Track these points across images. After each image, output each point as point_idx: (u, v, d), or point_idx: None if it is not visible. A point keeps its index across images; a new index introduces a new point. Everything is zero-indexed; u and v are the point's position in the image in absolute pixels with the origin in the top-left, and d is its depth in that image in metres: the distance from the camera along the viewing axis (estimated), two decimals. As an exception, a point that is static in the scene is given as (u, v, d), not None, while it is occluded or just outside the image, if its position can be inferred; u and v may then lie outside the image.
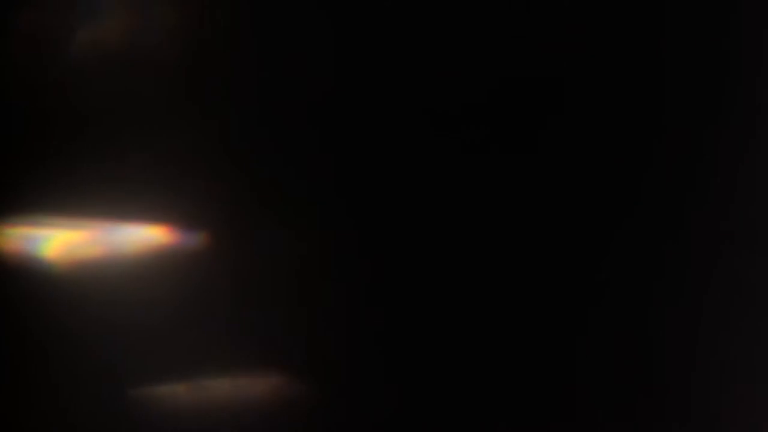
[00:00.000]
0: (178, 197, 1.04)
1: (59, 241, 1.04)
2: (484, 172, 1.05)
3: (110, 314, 1.03)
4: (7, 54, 1.05)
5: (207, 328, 1.04)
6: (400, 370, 1.05)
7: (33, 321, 1.04)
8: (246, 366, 1.04)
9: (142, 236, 1.04)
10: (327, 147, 1.05)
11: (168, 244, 1.04)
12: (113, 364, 1.03)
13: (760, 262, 1.05)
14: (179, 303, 1.03)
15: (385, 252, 1.05)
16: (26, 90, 1.05)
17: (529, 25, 1.06)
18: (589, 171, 1.06)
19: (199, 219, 1.04)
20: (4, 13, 1.05)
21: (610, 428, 1.04)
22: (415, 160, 1.05)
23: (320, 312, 1.05)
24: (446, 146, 1.05)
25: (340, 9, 1.05)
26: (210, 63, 1.05)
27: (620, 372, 1.05)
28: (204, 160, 1.05)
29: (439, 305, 1.05)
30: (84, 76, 1.05)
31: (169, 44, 1.05)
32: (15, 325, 1.04)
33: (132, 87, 1.05)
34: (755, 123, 1.06)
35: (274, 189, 1.05)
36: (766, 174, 1.06)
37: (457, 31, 1.06)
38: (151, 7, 1.06)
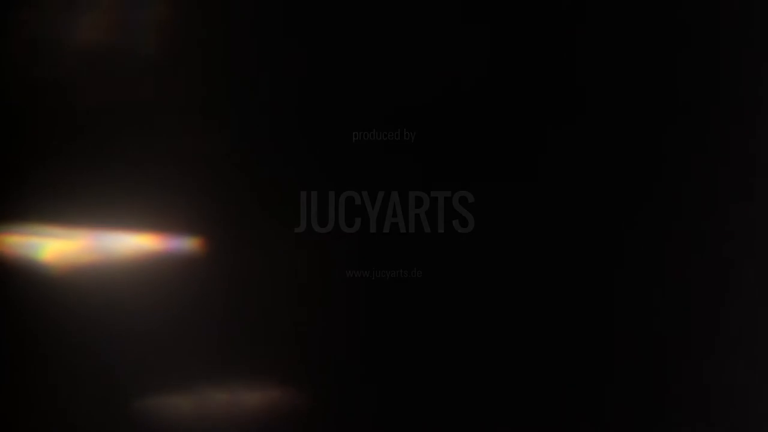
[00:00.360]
0: (175, 201, 1.04)
1: (56, 247, 1.04)
2: (486, 170, 1.05)
3: (108, 321, 1.03)
4: (6, 54, 1.05)
5: (205, 335, 1.03)
6: (401, 378, 1.05)
7: (31, 326, 1.03)
8: (244, 374, 1.04)
9: (139, 242, 1.04)
10: (326, 148, 1.05)
11: (164, 249, 1.04)
12: (111, 371, 1.03)
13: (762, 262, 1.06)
14: (176, 309, 1.03)
15: (385, 255, 1.05)
16: (24, 92, 1.05)
17: (529, 24, 1.06)
18: (590, 171, 1.06)
19: (197, 223, 1.04)
20: (4, 13, 1.05)
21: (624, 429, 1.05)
22: (415, 160, 1.05)
23: (319, 318, 1.05)
24: (449, 145, 1.05)
25: (343, 9, 1.06)
26: (209, 63, 1.05)
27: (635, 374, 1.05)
28: (202, 162, 1.04)
29: (440, 310, 1.05)
30: (84, 76, 1.05)
31: (168, 44, 1.05)
32: (14, 329, 1.04)
33: (131, 87, 1.05)
34: (755, 122, 1.07)
35: (273, 191, 1.05)
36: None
37: (463, 27, 1.06)
38: (150, 7, 1.06)
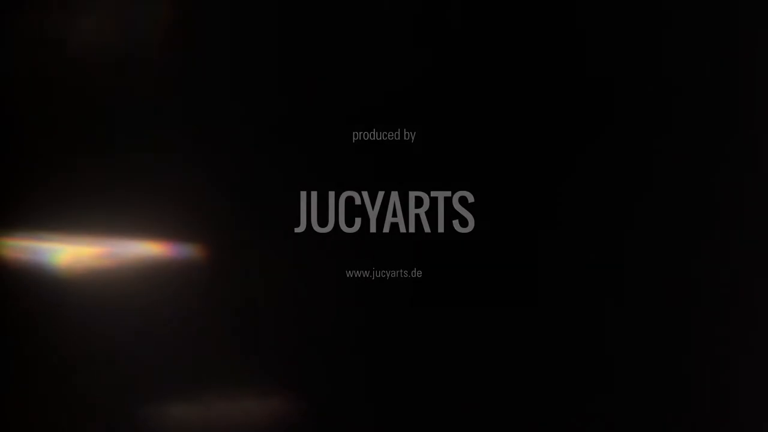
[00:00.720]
0: (174, 203, 1.04)
1: (67, 253, 1.04)
2: (486, 170, 1.05)
3: (109, 328, 1.03)
4: (19, 57, 1.06)
5: (203, 337, 1.04)
6: (401, 378, 1.05)
7: (33, 333, 1.04)
8: (243, 375, 1.04)
9: (140, 246, 1.04)
10: (326, 148, 1.05)
11: (164, 253, 1.04)
12: (114, 379, 1.03)
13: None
14: (176, 312, 1.04)
15: (385, 255, 1.05)
16: (32, 98, 1.05)
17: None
18: (591, 172, 1.06)
19: (196, 225, 1.04)
20: (4, 14, 1.06)
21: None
22: (415, 160, 1.05)
23: (319, 319, 1.05)
24: (449, 145, 1.05)
25: (344, 9, 1.06)
26: (210, 64, 1.05)
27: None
28: (201, 163, 1.05)
29: (440, 310, 1.05)
30: (86, 78, 1.05)
31: (168, 45, 1.05)
32: (16, 336, 1.04)
33: (133, 89, 1.05)
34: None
35: (273, 191, 1.05)
36: None
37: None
38: (150, 8, 1.06)
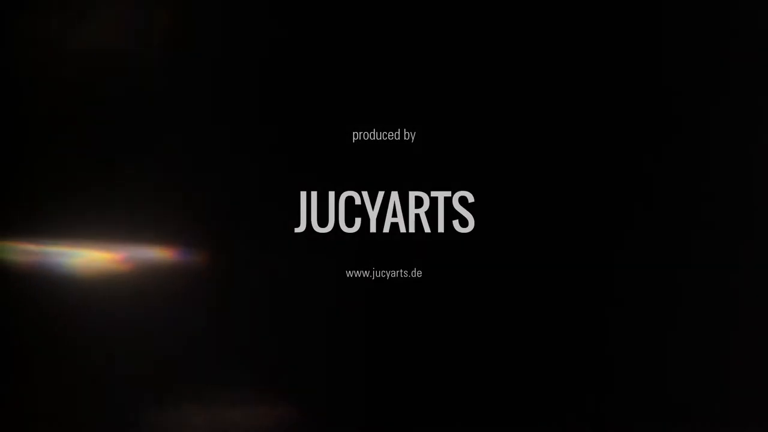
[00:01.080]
0: (174, 203, 1.04)
1: (78, 258, 1.04)
2: (486, 170, 1.05)
3: (110, 332, 1.03)
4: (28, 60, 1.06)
5: (203, 337, 1.04)
6: (402, 377, 1.05)
7: (36, 336, 1.04)
8: (248, 385, 1.04)
9: (145, 251, 1.04)
10: (326, 148, 1.05)
11: (166, 254, 1.04)
12: (122, 384, 1.04)
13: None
14: (176, 312, 1.04)
15: (385, 255, 1.05)
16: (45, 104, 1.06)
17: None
18: (590, 172, 1.06)
19: (196, 225, 1.04)
20: (4, 14, 1.06)
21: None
22: (415, 160, 1.05)
23: (319, 319, 1.05)
24: (449, 145, 1.05)
25: (345, 10, 1.06)
26: (210, 65, 1.05)
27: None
28: (202, 163, 1.05)
29: (440, 310, 1.05)
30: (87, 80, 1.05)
31: (170, 46, 1.05)
32: (19, 340, 1.04)
33: (133, 89, 1.05)
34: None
35: (273, 191, 1.05)
36: None
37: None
38: (151, 9, 1.06)
